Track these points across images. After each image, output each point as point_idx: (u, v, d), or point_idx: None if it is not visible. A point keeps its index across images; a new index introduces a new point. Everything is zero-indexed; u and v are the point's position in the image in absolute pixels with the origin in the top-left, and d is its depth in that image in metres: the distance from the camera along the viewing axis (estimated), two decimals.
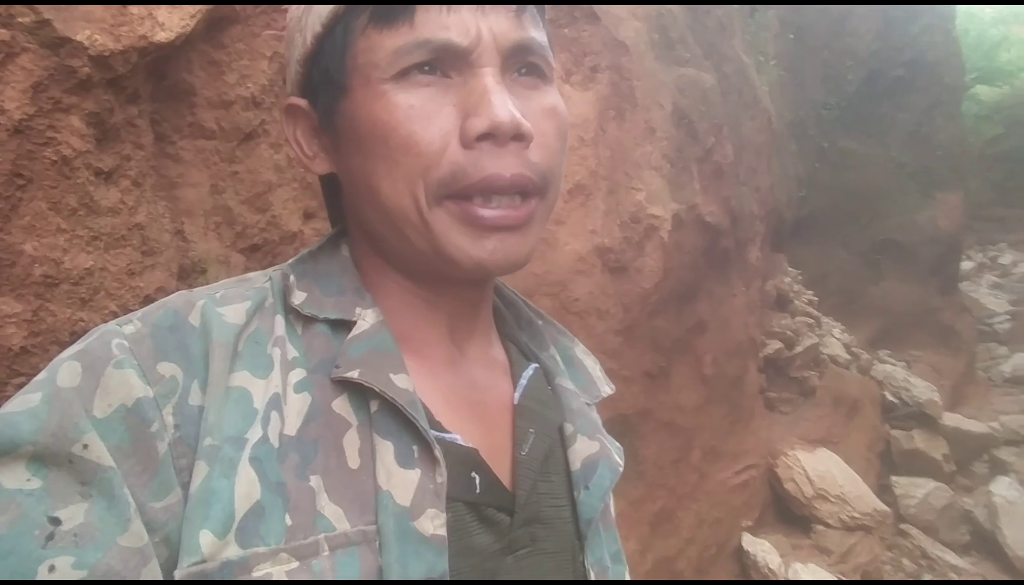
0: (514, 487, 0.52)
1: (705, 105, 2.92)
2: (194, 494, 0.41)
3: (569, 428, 0.58)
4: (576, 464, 0.57)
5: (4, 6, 0.81)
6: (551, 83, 0.52)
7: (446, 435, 0.49)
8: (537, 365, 0.60)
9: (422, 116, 0.46)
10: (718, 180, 3.02)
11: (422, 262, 0.51)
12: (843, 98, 5.92)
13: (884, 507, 3.87)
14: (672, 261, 2.60)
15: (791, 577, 3.22)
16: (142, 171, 1.04)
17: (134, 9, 0.95)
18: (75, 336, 0.93)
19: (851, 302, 5.84)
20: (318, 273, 0.53)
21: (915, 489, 4.34)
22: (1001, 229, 10.22)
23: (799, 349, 4.34)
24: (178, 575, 0.39)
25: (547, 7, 0.55)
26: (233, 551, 0.40)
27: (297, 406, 0.46)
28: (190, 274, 1.22)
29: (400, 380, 0.47)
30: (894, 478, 4.46)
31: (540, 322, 0.65)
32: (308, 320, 0.50)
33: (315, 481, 0.44)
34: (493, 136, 0.46)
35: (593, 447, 0.57)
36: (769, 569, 3.26)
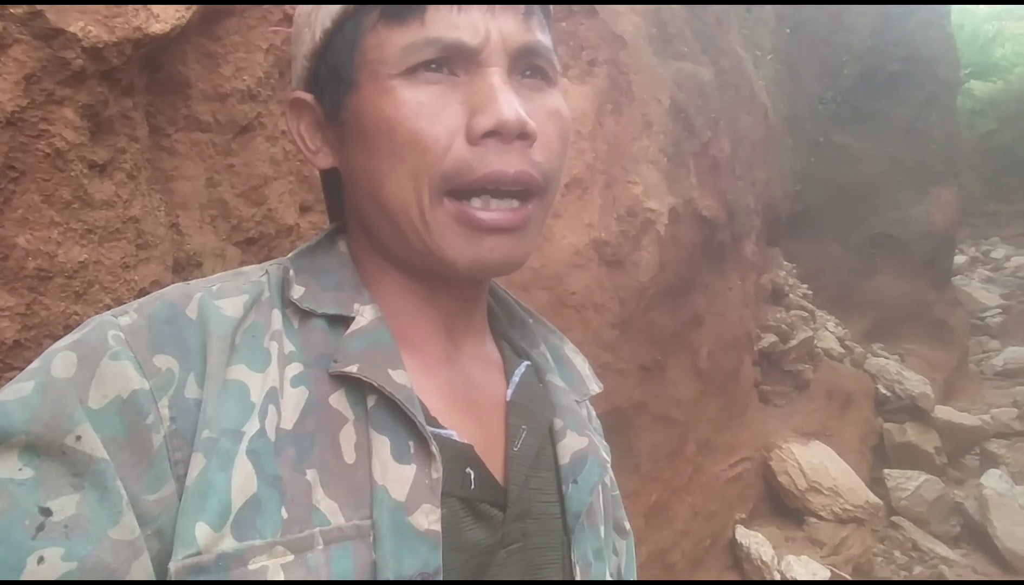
0: (506, 483, 0.52)
1: (702, 99, 2.92)
2: (191, 486, 0.41)
3: (559, 423, 0.58)
4: (565, 459, 0.57)
5: None
6: (555, 86, 0.53)
7: (442, 431, 0.50)
8: (529, 362, 0.61)
9: (429, 113, 0.47)
10: (714, 174, 3.02)
11: (419, 260, 0.51)
12: (839, 93, 5.93)
13: (876, 499, 3.90)
14: (668, 255, 2.61)
15: (783, 569, 3.25)
16: (137, 164, 1.04)
17: None
18: (69, 329, 0.92)
19: (845, 296, 5.87)
20: (316, 268, 0.53)
21: (907, 481, 4.37)
22: (993, 224, 10.29)
23: (794, 343, 4.36)
24: (172, 567, 0.39)
25: (551, 7, 0.55)
26: (229, 543, 0.40)
27: (294, 400, 0.46)
28: (185, 267, 1.21)
29: (398, 376, 0.47)
30: (886, 471, 4.49)
31: (531, 320, 0.66)
32: (305, 315, 0.50)
33: (311, 475, 0.44)
34: (499, 134, 0.46)
35: (582, 442, 0.58)
36: (762, 561, 3.28)
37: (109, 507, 0.39)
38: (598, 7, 2.38)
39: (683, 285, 2.85)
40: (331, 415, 0.46)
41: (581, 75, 2.36)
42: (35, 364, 0.42)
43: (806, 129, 5.68)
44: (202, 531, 0.40)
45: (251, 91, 1.35)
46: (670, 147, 2.65)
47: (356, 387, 0.47)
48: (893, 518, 4.21)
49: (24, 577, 0.36)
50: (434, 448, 0.46)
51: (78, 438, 0.39)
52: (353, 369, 0.47)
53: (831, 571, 3.31)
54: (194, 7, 1.06)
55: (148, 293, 1.06)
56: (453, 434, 0.50)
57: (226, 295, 0.48)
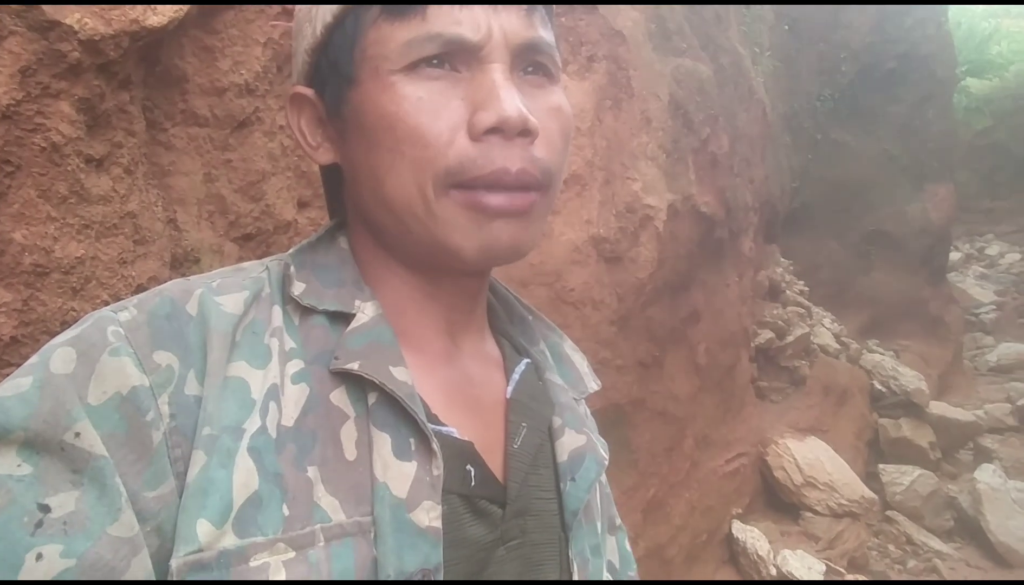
0: (506, 480, 0.52)
1: (701, 96, 2.91)
2: (191, 483, 0.40)
3: (557, 421, 0.59)
4: (563, 456, 0.57)
5: None
6: (557, 83, 0.52)
7: (443, 428, 0.50)
8: (529, 360, 0.61)
9: (430, 108, 0.47)
10: (713, 171, 3.02)
11: (423, 254, 0.51)
12: (837, 90, 5.94)
13: (871, 494, 3.92)
14: (667, 251, 2.60)
15: (779, 563, 3.26)
16: (134, 159, 1.02)
17: None
18: (66, 325, 0.91)
19: (842, 292, 5.89)
20: (316, 265, 0.53)
21: (901, 476, 4.40)
22: (988, 220, 10.32)
23: (790, 339, 4.38)
24: (174, 564, 0.39)
25: (553, 5, 0.55)
26: (230, 540, 0.40)
27: (295, 397, 0.46)
28: (183, 263, 1.20)
29: (399, 373, 0.47)
30: (881, 466, 4.53)
31: (531, 318, 0.66)
32: (306, 311, 0.50)
33: (312, 472, 0.44)
34: (501, 130, 0.46)
35: (580, 440, 0.58)
36: (758, 556, 3.30)
37: (108, 504, 0.38)
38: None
39: (681, 281, 2.85)
40: (332, 412, 0.46)
41: (580, 71, 2.35)
42: (33, 359, 0.42)
43: (804, 126, 5.68)
44: (203, 528, 0.40)
45: (249, 85, 1.34)
46: (669, 143, 2.65)
47: (357, 384, 0.47)
48: (888, 512, 4.24)
49: (22, 575, 0.36)
50: (435, 445, 0.46)
51: (77, 435, 0.39)
52: (354, 366, 0.47)
53: (826, 565, 3.33)
54: (192, 5, 1.04)
55: (146, 289, 1.05)
56: (454, 431, 0.50)
57: (226, 291, 0.47)
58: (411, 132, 0.46)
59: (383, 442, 0.46)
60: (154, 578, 0.39)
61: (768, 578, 3.25)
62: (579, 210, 2.24)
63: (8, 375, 0.85)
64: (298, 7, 0.54)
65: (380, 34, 0.48)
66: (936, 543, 4.05)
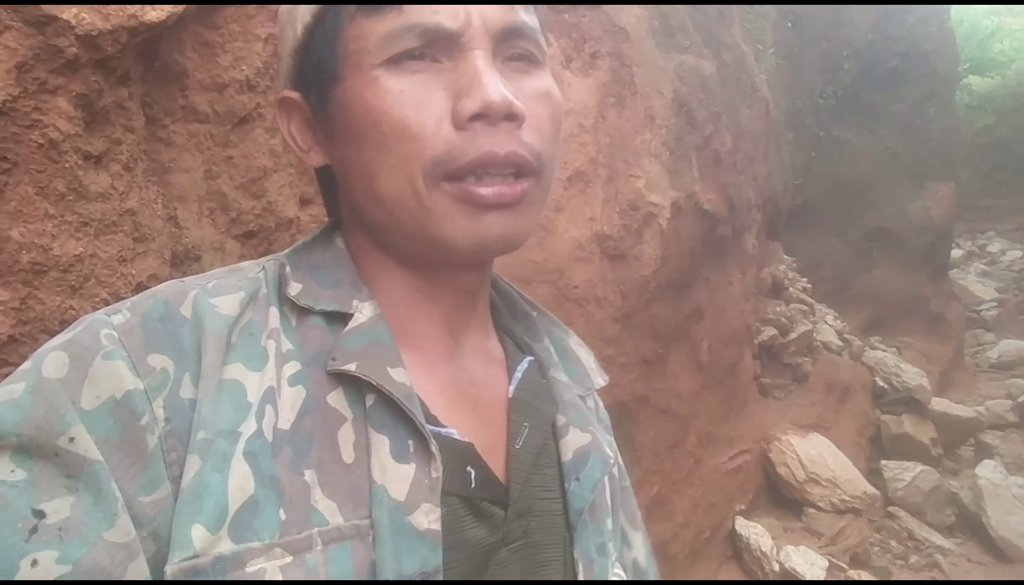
0: (508, 481, 0.52)
1: (704, 93, 2.90)
2: (186, 488, 0.40)
3: (561, 419, 0.58)
4: (568, 455, 0.57)
5: None
6: (543, 67, 0.52)
7: (442, 430, 0.49)
8: (532, 358, 0.60)
9: (414, 100, 0.46)
10: (716, 168, 3.01)
11: (419, 250, 0.51)
12: (839, 88, 5.93)
13: (873, 490, 3.93)
14: (670, 249, 2.59)
15: (782, 559, 3.26)
16: (133, 155, 1.01)
17: None
18: (65, 324, 0.90)
19: (844, 290, 5.89)
20: (313, 265, 0.52)
21: (903, 472, 4.40)
22: (990, 218, 10.32)
23: (793, 336, 4.38)
24: (169, 570, 0.38)
25: None
26: (226, 546, 0.40)
27: (291, 399, 0.45)
28: (183, 261, 1.19)
29: (397, 374, 0.47)
30: (883, 462, 4.53)
31: (535, 314, 0.65)
32: (303, 312, 0.49)
33: (309, 475, 0.43)
34: (485, 116, 0.46)
35: (584, 439, 0.58)
36: (761, 552, 3.30)
37: (104, 509, 0.38)
38: None
39: (684, 279, 2.84)
40: (329, 414, 0.46)
41: (584, 68, 2.33)
42: (26, 365, 0.41)
43: (806, 123, 5.68)
44: (199, 533, 0.39)
45: (250, 81, 1.32)
46: (672, 141, 2.64)
47: (355, 385, 0.47)
48: (890, 508, 4.25)
49: (18, 580, 0.36)
50: (434, 447, 0.45)
51: (71, 439, 0.38)
52: (351, 367, 0.46)
53: (829, 561, 3.33)
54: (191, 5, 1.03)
55: (146, 287, 1.04)
56: (454, 432, 0.49)
57: (222, 292, 0.47)
58: (396, 125, 0.46)
59: (381, 444, 0.45)
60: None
61: (771, 574, 3.24)
62: (583, 207, 2.23)
63: (5, 374, 0.83)
64: (279, 10, 0.54)
65: (359, 30, 0.47)
66: (938, 539, 4.05)
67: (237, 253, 1.33)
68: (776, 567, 3.24)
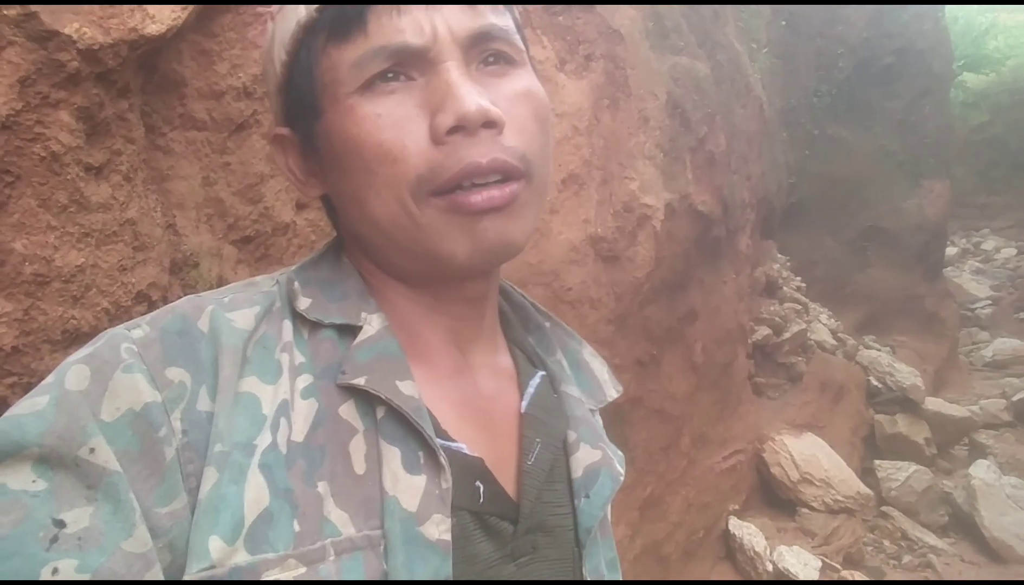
0: (519, 496, 0.52)
1: (698, 94, 2.91)
2: (203, 500, 0.41)
3: (572, 435, 0.58)
4: (578, 472, 0.57)
5: None
6: (522, 66, 0.51)
7: (452, 444, 0.49)
8: (544, 373, 0.60)
9: (390, 123, 0.46)
10: (710, 169, 3.02)
11: (420, 267, 0.51)
12: (834, 86, 5.94)
13: (867, 490, 3.95)
14: (664, 250, 2.61)
15: (775, 559, 3.28)
16: (133, 165, 1.03)
17: None
18: (67, 334, 0.91)
19: (838, 289, 5.90)
20: (321, 280, 0.53)
21: (897, 472, 4.42)
22: (984, 216, 10.33)
23: (787, 335, 4.39)
24: (187, 580, 0.39)
25: None
26: (242, 557, 0.40)
27: (304, 412, 0.46)
28: (182, 268, 1.20)
29: (406, 387, 0.47)
30: (877, 461, 4.55)
31: (548, 324, 0.65)
32: (314, 325, 0.50)
33: (322, 487, 0.44)
34: (463, 128, 0.46)
35: (595, 455, 0.58)
36: (755, 552, 3.32)
37: (122, 519, 0.39)
38: None
39: (678, 280, 2.86)
40: (341, 426, 0.46)
41: (578, 70, 2.35)
42: (50, 378, 0.42)
43: (801, 122, 5.69)
44: (215, 545, 0.40)
45: (247, 88, 1.34)
46: (666, 142, 2.65)
47: (365, 398, 0.47)
48: (883, 508, 4.26)
49: None
50: (443, 459, 0.46)
51: (91, 451, 0.39)
52: (361, 381, 0.47)
53: (822, 561, 3.35)
54: (190, 7, 1.04)
55: (146, 295, 1.05)
56: (463, 447, 0.50)
57: (237, 307, 0.48)
58: (377, 150, 0.46)
59: (392, 455, 0.46)
60: None
61: (765, 574, 3.27)
62: (577, 209, 2.25)
63: (10, 384, 0.85)
64: (261, 49, 0.54)
65: (331, 61, 0.48)
66: (931, 538, 4.07)
67: (234, 259, 1.35)
68: (769, 567, 3.27)
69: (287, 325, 0.49)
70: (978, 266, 9.28)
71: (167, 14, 0.99)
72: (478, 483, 0.50)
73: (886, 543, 4.01)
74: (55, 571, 0.37)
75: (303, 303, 0.50)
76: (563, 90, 2.26)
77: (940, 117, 6.49)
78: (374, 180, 0.47)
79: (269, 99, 0.56)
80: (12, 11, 0.82)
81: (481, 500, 0.49)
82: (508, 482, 0.52)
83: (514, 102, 0.49)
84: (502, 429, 0.55)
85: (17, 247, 0.83)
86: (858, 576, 3.40)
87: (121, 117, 0.98)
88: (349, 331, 0.50)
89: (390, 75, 0.47)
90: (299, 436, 0.45)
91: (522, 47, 0.52)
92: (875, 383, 5.00)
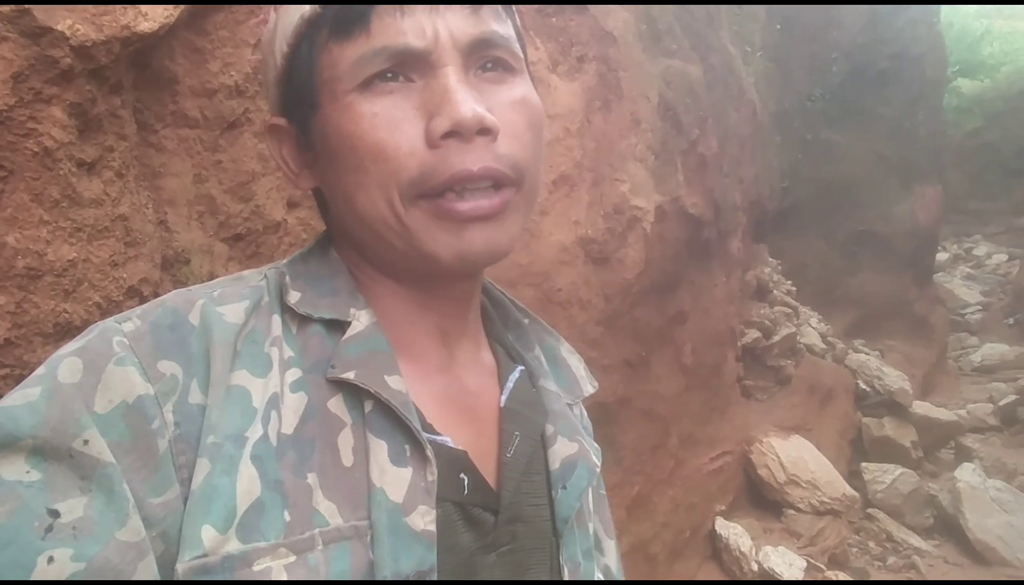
0: (499, 487, 0.53)
1: (691, 97, 2.93)
2: (196, 490, 0.42)
3: (550, 429, 0.59)
4: (555, 464, 0.58)
5: None
6: (519, 75, 0.52)
7: (437, 437, 0.51)
8: (523, 367, 0.62)
9: (386, 123, 0.47)
10: (702, 172, 3.05)
11: (407, 264, 0.52)
12: (828, 90, 5.95)
13: (853, 492, 3.97)
14: (654, 252, 2.63)
15: (761, 559, 3.31)
16: (125, 162, 1.04)
17: None
18: (59, 327, 0.93)
19: (828, 292, 5.93)
20: (310, 274, 0.54)
21: (883, 475, 4.44)
22: (976, 221, 10.38)
23: (777, 338, 4.41)
24: (180, 568, 0.40)
25: None
26: (234, 545, 0.41)
27: (294, 405, 0.47)
28: (173, 264, 1.22)
29: (394, 381, 0.49)
30: (864, 464, 4.56)
31: (527, 321, 0.66)
32: (303, 320, 0.51)
33: (311, 478, 0.45)
34: (457, 133, 0.46)
35: (572, 448, 0.59)
36: (740, 552, 3.35)
37: (116, 510, 0.40)
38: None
39: (668, 282, 2.88)
40: (330, 419, 0.48)
41: (570, 72, 2.37)
42: (41, 370, 0.43)
43: (794, 126, 5.71)
44: (208, 533, 0.41)
45: (239, 86, 1.35)
46: (658, 145, 2.67)
47: (354, 392, 0.48)
48: (869, 510, 4.28)
49: (34, 577, 0.37)
50: (429, 452, 0.47)
51: (86, 442, 0.40)
52: (350, 376, 0.48)
53: (807, 561, 3.38)
54: (183, 5, 1.06)
55: (137, 290, 1.07)
56: (448, 440, 0.51)
57: (227, 301, 0.49)
58: (371, 148, 0.47)
59: (380, 448, 0.47)
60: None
61: (750, 574, 3.30)
62: (567, 211, 2.27)
63: (2, 376, 0.87)
64: (261, 38, 0.55)
65: (331, 57, 0.48)
66: (916, 540, 4.10)
67: (225, 256, 1.36)
68: (755, 567, 3.29)
69: (276, 319, 0.50)
70: (969, 272, 9.33)
71: (160, 12, 1.00)
72: (462, 475, 0.51)
73: (871, 544, 4.04)
74: (51, 560, 0.37)
75: (293, 297, 0.51)
76: (555, 92, 2.28)
77: (933, 122, 6.53)
78: (365, 178, 0.48)
79: (265, 88, 0.56)
80: (5, 7, 0.83)
81: (465, 491, 0.51)
82: (489, 474, 0.53)
83: (509, 110, 0.50)
84: (483, 423, 0.56)
85: (10, 241, 0.85)
86: (843, 577, 3.43)
87: (113, 114, 1.00)
88: (338, 326, 0.51)
89: (389, 75, 0.47)
90: (289, 429, 0.46)
91: (521, 55, 0.53)
92: (863, 386, 5.02)
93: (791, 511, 3.74)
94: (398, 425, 0.48)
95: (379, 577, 0.44)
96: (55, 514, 0.38)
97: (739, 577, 3.32)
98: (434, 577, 0.46)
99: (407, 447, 0.47)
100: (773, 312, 4.57)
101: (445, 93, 0.47)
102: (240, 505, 0.42)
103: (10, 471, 0.39)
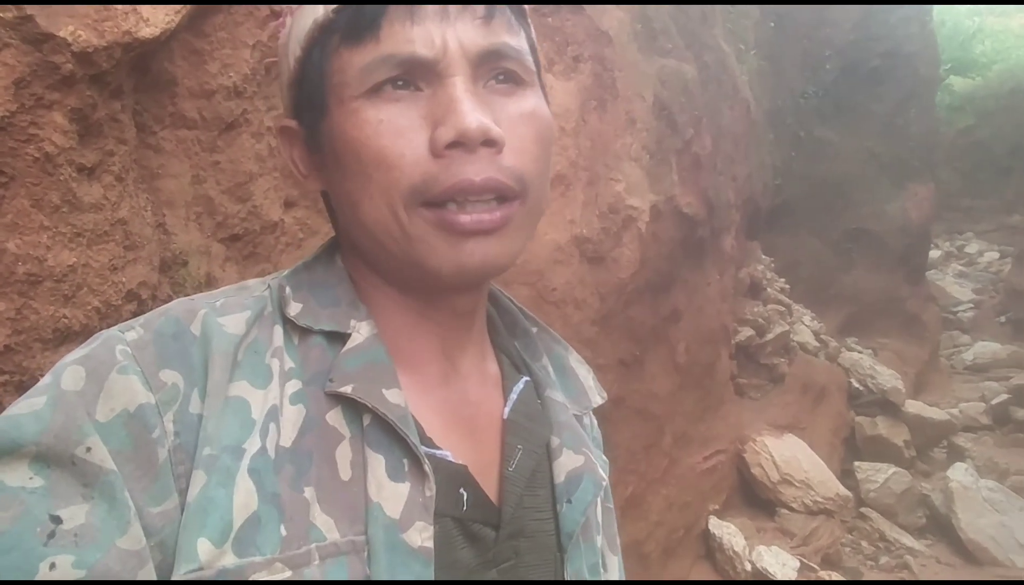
0: (501, 502, 0.53)
1: (686, 97, 2.95)
2: (192, 502, 0.42)
3: (555, 441, 0.59)
4: (560, 477, 0.57)
5: None
6: (530, 87, 0.52)
7: (436, 451, 0.50)
8: (528, 378, 0.61)
9: (391, 130, 0.47)
10: (696, 171, 3.06)
11: (408, 274, 0.52)
12: (821, 88, 5.98)
13: (846, 492, 3.99)
14: (649, 251, 2.65)
15: (754, 559, 3.33)
16: (125, 166, 1.04)
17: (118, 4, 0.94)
18: (58, 333, 0.93)
19: (822, 290, 5.95)
20: (313, 284, 0.54)
21: (876, 474, 4.47)
22: (968, 219, 10.43)
23: (770, 336, 4.43)
24: (175, 581, 0.40)
25: (526, 6, 0.54)
26: (230, 559, 0.41)
27: (292, 418, 0.47)
28: (171, 266, 1.22)
29: (392, 395, 0.48)
30: (856, 463, 4.58)
31: (535, 330, 0.66)
32: (304, 331, 0.51)
33: (309, 492, 0.45)
34: (462, 144, 0.46)
35: (578, 461, 0.58)
36: (734, 551, 3.37)
37: (117, 517, 0.40)
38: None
39: (663, 281, 2.90)
40: (328, 433, 0.47)
41: (566, 71, 2.37)
42: (46, 379, 0.43)
43: (787, 123, 5.73)
44: (204, 547, 0.41)
45: (237, 88, 1.36)
46: (653, 144, 2.69)
47: (352, 405, 0.48)
48: (862, 509, 4.31)
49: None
50: (427, 467, 0.47)
51: (88, 450, 0.40)
52: (348, 389, 0.47)
53: (800, 561, 3.40)
54: (184, 10, 1.06)
55: (136, 294, 1.07)
56: (448, 454, 0.51)
57: (229, 311, 0.49)
58: (375, 155, 0.47)
59: (377, 463, 0.47)
60: None
61: (743, 573, 3.32)
62: (562, 210, 2.28)
63: (2, 382, 0.87)
64: (279, 41, 0.55)
65: (341, 62, 0.48)
66: (908, 540, 4.13)
67: (222, 256, 1.37)
68: (748, 567, 3.31)
69: (278, 330, 0.50)
70: (961, 269, 9.37)
71: (161, 17, 1.00)
72: (462, 490, 0.50)
73: (864, 544, 4.07)
74: (52, 566, 0.38)
75: (293, 309, 0.51)
76: (551, 91, 2.28)
77: (926, 120, 6.55)
78: (369, 184, 0.48)
79: (280, 90, 0.56)
80: (8, 13, 0.83)
81: (464, 507, 0.50)
82: (491, 488, 0.53)
83: (517, 122, 0.49)
84: (485, 435, 0.56)
85: (10, 247, 0.85)
86: (835, 576, 3.45)
87: (113, 118, 1.00)
88: (338, 338, 0.51)
89: (399, 83, 0.47)
90: (287, 441, 0.46)
91: (533, 68, 0.52)
92: (856, 385, 5.04)
93: (784, 510, 3.76)
94: (396, 439, 0.47)
95: None
96: (57, 520, 0.39)
97: (732, 577, 3.34)
98: None
99: (405, 462, 0.47)
100: (766, 310, 4.59)
101: (451, 103, 0.46)
102: (236, 519, 0.42)
103: (13, 477, 0.39)
